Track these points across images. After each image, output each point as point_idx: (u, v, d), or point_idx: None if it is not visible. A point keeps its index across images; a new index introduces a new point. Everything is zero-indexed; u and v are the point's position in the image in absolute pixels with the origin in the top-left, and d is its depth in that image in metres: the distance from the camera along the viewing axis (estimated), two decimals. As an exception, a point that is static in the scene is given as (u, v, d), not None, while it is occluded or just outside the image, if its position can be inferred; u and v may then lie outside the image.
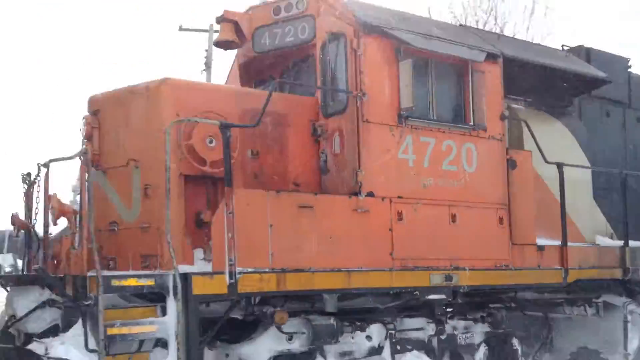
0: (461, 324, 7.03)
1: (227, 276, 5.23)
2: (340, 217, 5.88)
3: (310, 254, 5.68)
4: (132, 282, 5.07)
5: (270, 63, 7.31)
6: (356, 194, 6.04)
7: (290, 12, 6.87)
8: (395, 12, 6.89)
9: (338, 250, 5.83)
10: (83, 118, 6.21)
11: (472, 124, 6.86)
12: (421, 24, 6.98)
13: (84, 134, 6.13)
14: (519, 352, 7.42)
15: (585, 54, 9.08)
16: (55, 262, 5.53)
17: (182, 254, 5.56)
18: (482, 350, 7.11)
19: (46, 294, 5.51)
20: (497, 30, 20.50)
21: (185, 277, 5.10)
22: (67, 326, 5.39)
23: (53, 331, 5.41)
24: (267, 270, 5.43)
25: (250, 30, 7.10)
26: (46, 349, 4.79)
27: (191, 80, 6.50)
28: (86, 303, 4.86)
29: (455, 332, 6.95)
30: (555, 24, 29.55)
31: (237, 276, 5.24)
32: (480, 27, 20.99)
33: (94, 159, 5.91)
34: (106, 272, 5.05)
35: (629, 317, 8.28)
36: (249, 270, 5.33)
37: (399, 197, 6.25)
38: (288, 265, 5.54)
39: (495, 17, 22.20)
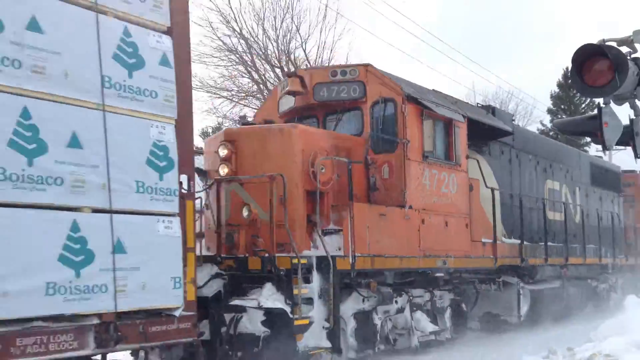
0: (438, 293, 10.40)
1: (350, 258, 8.09)
2: (397, 221, 8.98)
3: (383, 245, 8.69)
4: (295, 261, 7.70)
5: (318, 108, 10.09)
6: (402, 206, 9.16)
7: (345, 77, 9.77)
8: (412, 83, 10.11)
9: (395, 243, 8.91)
10: (220, 144, 8.61)
11: (454, 161, 10.30)
12: (426, 92, 10.29)
13: (223, 156, 8.55)
14: (467, 313, 11.02)
15: (492, 111, 13.00)
16: (227, 246, 7.94)
17: (305, 243, 8.27)
18: (448, 311, 10.56)
19: (215, 269, 7.92)
20: (294, 28, 23.25)
21: (333, 258, 7.87)
22: (229, 292, 7.84)
23: (218, 296, 7.83)
24: (366, 255, 8.36)
25: (311, 84, 9.86)
26: (258, 303, 7.28)
27: (308, 126, 9.15)
28: (281, 274, 7.43)
29: (435, 299, 10.31)
30: (344, 30, 32.29)
31: (355, 259, 8.12)
32: (278, 23, 23.81)
33: (230, 175, 8.42)
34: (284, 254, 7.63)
35: (521, 291, 12.28)
36: (359, 255, 8.23)
37: (423, 209, 9.48)
38: (374, 252, 8.51)
39: (292, 15, 23.71)
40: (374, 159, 9.43)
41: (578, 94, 36.60)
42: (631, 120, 8.17)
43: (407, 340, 9.51)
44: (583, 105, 40.24)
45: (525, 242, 12.32)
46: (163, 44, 6.08)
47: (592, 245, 15.94)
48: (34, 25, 5.09)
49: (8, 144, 4.90)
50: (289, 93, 9.88)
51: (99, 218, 5.46)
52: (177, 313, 6.07)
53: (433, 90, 11.10)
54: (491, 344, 11.36)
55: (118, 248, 5.54)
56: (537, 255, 12.87)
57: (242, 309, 7.42)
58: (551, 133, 36.51)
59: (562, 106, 41.25)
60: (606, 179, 18.32)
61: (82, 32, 5.42)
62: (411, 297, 9.57)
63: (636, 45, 7.91)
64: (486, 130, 12.07)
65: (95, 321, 5.45)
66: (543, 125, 40.26)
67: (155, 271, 5.84)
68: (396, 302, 9.37)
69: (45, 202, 5.10)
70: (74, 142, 5.29)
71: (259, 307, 7.29)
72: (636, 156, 8.26)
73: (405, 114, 9.30)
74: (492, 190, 11.29)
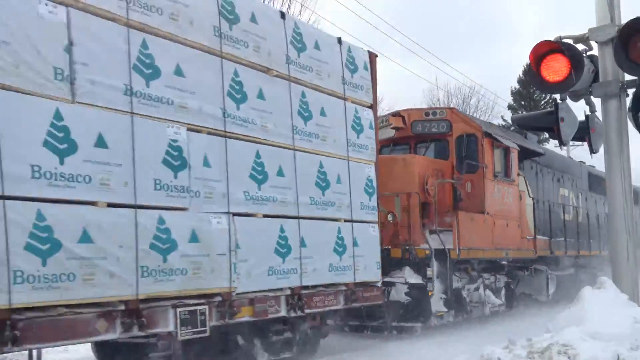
0: (498, 276, 14.53)
1: (457, 250, 12.15)
2: (480, 224, 13.08)
3: (473, 241, 12.79)
4: (427, 252, 11.71)
5: (411, 138, 14.07)
6: (482, 212, 13.25)
7: (435, 116, 13.81)
8: (483, 121, 14.20)
9: (479, 239, 13.02)
10: (361, 169, 12.53)
11: (511, 178, 14.45)
12: (491, 127, 14.39)
13: (362, 178, 12.47)
14: (515, 291, 15.23)
15: (525, 135, 17.19)
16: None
17: (422, 239, 12.29)
18: (503, 290, 14.73)
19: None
20: None
21: (449, 250, 11.91)
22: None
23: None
24: (466, 248, 12.45)
25: (409, 121, 13.85)
26: (405, 280, 11.27)
27: (421, 156, 13.14)
28: (418, 260, 11.44)
29: (496, 281, 14.44)
30: (309, 22, 31.90)
31: (460, 251, 12.20)
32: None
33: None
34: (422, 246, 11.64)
35: (549, 276, 16.53)
36: (462, 248, 12.31)
37: (494, 215, 13.61)
38: (469, 246, 12.60)
39: None
40: (459, 177, 13.49)
41: (538, 91, 37.55)
42: (587, 116, 8.76)
43: (479, 311, 13.63)
44: (543, 102, 41.54)
45: (552, 238, 16.59)
46: (370, 115, 10.03)
47: (593, 241, 20.35)
48: (322, 113, 8.99)
49: (314, 183, 8.79)
50: (394, 128, 13.86)
51: (347, 225, 9.37)
52: (378, 284, 10.04)
53: (489, 122, 15.20)
54: (530, 316, 15.59)
55: (355, 243, 9.48)
56: (560, 249, 17.15)
57: (390, 284, 11.38)
58: (512, 128, 38.08)
59: (523, 102, 43.51)
60: (599, 185, 22.74)
61: (340, 114, 9.33)
62: (484, 279, 13.69)
63: (591, 42, 8.43)
64: (525, 152, 16.25)
65: (344, 288, 9.37)
66: (504, 120, 41.48)
67: (369, 258, 9.80)
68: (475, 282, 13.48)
69: (328, 216, 9.01)
70: (338, 180, 9.22)
71: (405, 283, 11.29)
72: (591, 151, 8.92)
73: (484, 145, 13.39)
74: (533, 199, 15.50)
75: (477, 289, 13.54)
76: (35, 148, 5.50)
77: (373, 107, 10.19)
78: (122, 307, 6.25)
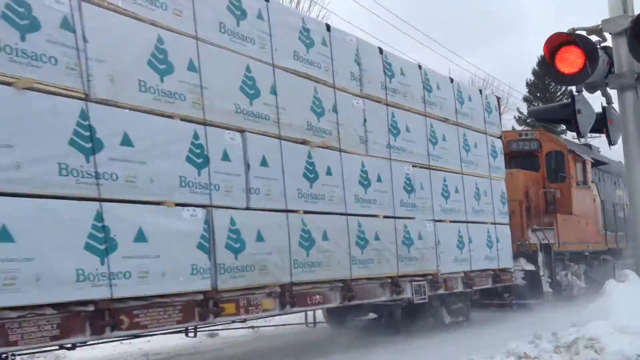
0: (579, 265, 18.28)
1: (557, 245, 15.96)
2: (570, 223, 16.90)
3: (566, 237, 16.59)
4: (536, 245, 15.51)
5: (506, 155, 17.86)
6: (569, 214, 17.05)
7: (527, 137, 17.65)
8: (567, 140, 18.02)
9: (570, 236, 16.82)
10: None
11: (587, 185, 18.23)
12: (572, 144, 18.23)
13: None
14: (591, 277, 19.00)
15: (589, 146, 20.96)
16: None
17: (527, 236, 16.08)
18: (583, 277, 18.47)
19: (484, 252, 15.74)
20: None
21: (552, 245, 15.72)
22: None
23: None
24: (562, 242, 16.25)
25: (505, 141, 17.66)
26: (522, 267, 15.06)
27: (523, 170, 16.97)
28: (530, 252, 15.24)
29: (577, 268, 18.20)
30: (319, 17, 27.49)
31: (560, 244, 16.01)
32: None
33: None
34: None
35: (615, 265, 20.23)
36: (560, 242, 16.11)
37: (578, 215, 17.40)
38: (564, 241, 16.39)
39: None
40: (550, 186, 17.31)
41: (553, 83, 37.19)
42: (604, 108, 8.77)
43: (568, 292, 17.40)
44: (559, 94, 41.21)
45: (618, 233, 20.38)
46: (500, 144, 13.90)
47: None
48: (475, 146, 12.83)
49: (473, 197, 12.63)
50: (494, 147, 17.70)
51: (492, 226, 13.19)
52: (511, 270, 13.87)
53: (569, 140, 19.06)
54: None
55: (497, 239, 13.30)
56: (622, 242, 20.90)
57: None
58: (528, 120, 37.94)
59: (538, 94, 43.42)
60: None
61: (484, 145, 13.17)
62: (571, 267, 17.48)
63: (605, 34, 8.39)
64: (595, 162, 20.03)
65: (491, 272, 13.18)
66: (520, 112, 42.31)
67: (506, 250, 13.63)
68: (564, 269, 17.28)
69: (481, 220, 12.84)
70: (485, 194, 13.05)
71: (522, 270, 15.11)
72: (610, 143, 8.95)
73: (569, 160, 17.21)
74: (602, 201, 19.32)
75: (566, 275, 17.33)
76: (354, 186, 9.44)
77: (501, 137, 14.05)
78: (389, 280, 10.14)
